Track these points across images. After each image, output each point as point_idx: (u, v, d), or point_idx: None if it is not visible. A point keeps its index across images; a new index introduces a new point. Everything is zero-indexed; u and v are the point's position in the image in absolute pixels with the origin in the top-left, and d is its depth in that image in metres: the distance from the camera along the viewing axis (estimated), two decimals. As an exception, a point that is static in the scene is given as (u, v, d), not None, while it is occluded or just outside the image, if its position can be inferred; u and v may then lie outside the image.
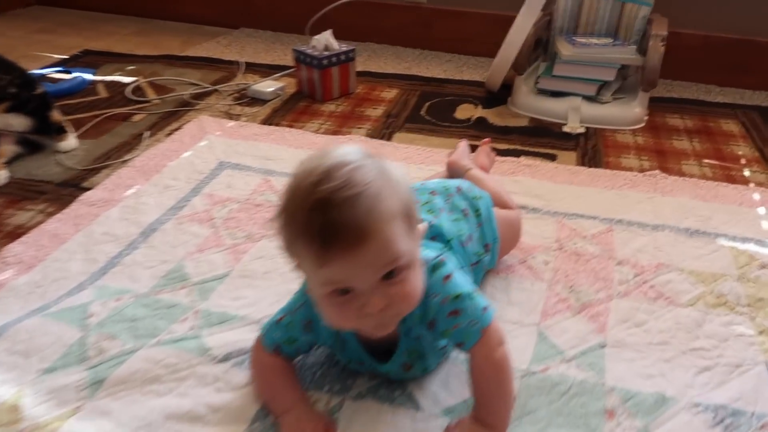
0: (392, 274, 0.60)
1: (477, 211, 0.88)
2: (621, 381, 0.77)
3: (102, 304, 0.89)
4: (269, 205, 1.15)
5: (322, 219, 0.56)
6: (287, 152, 1.34)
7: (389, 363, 0.73)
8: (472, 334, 0.67)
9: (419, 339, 0.71)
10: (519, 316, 0.87)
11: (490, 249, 0.88)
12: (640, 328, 0.85)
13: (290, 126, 1.49)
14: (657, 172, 1.24)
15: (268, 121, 1.52)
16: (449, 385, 0.75)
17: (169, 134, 1.44)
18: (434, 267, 0.69)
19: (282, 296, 0.90)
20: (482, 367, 0.68)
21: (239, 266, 0.98)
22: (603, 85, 1.49)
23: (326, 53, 1.59)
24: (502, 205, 0.98)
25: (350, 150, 0.61)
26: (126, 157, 1.34)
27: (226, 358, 0.80)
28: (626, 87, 1.54)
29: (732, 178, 1.24)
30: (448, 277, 0.69)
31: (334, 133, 1.46)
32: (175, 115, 1.55)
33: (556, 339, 0.83)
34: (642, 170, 1.27)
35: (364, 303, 0.60)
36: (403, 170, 0.65)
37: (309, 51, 1.60)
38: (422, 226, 0.66)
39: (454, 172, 1.07)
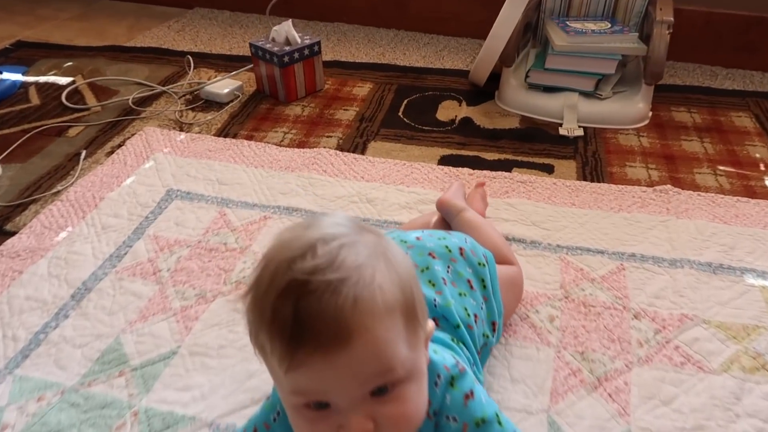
0: (384, 389, 0.46)
1: (483, 282, 0.72)
2: (652, 492, 0.64)
3: (19, 408, 0.73)
4: (225, 250, 0.98)
5: (294, 307, 0.42)
6: (246, 174, 1.16)
7: None
8: None
9: None
10: (525, 400, 0.73)
11: (497, 327, 0.73)
12: (669, 407, 0.72)
13: (250, 136, 1.31)
14: (669, 187, 1.09)
15: (224, 131, 1.33)
16: None
17: (110, 153, 1.25)
18: (452, 380, 0.55)
19: (241, 382, 0.76)
20: None
21: (189, 339, 0.83)
22: (602, 79, 1.32)
23: (287, 48, 1.39)
24: (503, 259, 0.83)
25: (341, 221, 0.48)
26: (58, 187, 1.15)
27: (170, 485, 0.65)
28: (626, 77, 1.38)
29: (752, 190, 1.10)
30: (470, 395, 0.54)
31: (301, 144, 1.28)
32: (117, 127, 1.36)
33: (571, 429, 0.70)
34: (651, 183, 1.12)
35: (342, 424, 0.46)
36: (406, 256, 0.50)
37: (268, 46, 1.40)
38: (430, 326, 0.52)
39: (446, 212, 0.91)
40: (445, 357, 0.56)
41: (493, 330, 0.72)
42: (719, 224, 1.01)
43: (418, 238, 0.75)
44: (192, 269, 0.95)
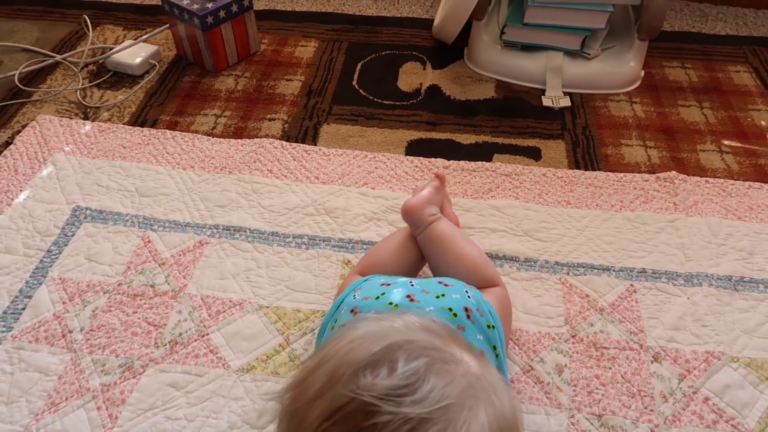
0: None
1: (495, 350, 0.58)
2: None
3: None
4: (153, 295, 0.79)
5: None
6: (172, 180, 0.95)
7: None
8: None
9: None
10: (540, 492, 0.61)
11: None
12: (705, 487, 0.61)
13: (174, 123, 1.07)
14: (673, 174, 0.94)
15: (140, 117, 1.08)
16: None
17: (-4, 155, 1.00)
18: None
19: None
20: None
21: (116, 435, 0.65)
22: (590, 35, 1.13)
23: (210, 6, 1.12)
24: (486, 281, 0.70)
25: (435, 326, 0.38)
26: (-71, 212, 0.90)
27: None
28: (613, 30, 1.19)
29: (762, 170, 0.97)
30: None
31: (237, 132, 1.05)
32: (2, 116, 1.09)
33: None
34: (652, 167, 0.98)
35: None
36: (513, 398, 0.38)
37: (186, 2, 1.13)
38: None
39: (412, 223, 0.74)
40: None
41: None
42: (733, 221, 0.88)
43: (410, 298, 0.59)
44: (113, 326, 0.75)
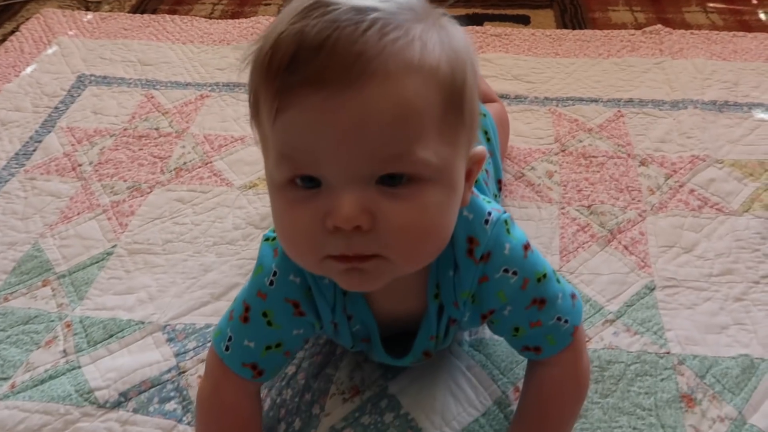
0: (397, 178, 0.33)
1: (486, 134, 0.60)
2: (689, 342, 0.55)
3: None
4: (158, 135, 0.82)
5: (300, 30, 0.31)
6: (173, 51, 0.98)
7: (405, 358, 0.48)
8: (560, 336, 0.44)
9: (456, 324, 0.46)
10: (532, 262, 0.63)
11: (501, 186, 0.62)
12: (692, 254, 0.64)
13: (173, 10, 1.10)
14: (659, 27, 0.97)
15: (140, 7, 1.12)
16: (459, 397, 0.52)
17: (1, 41, 1.03)
18: (506, 224, 0.43)
19: (196, 277, 0.63)
20: (562, 383, 0.45)
21: (126, 237, 0.68)
22: None
23: None
24: (485, 97, 0.72)
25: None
26: (-60, 84, 0.94)
27: (121, 401, 0.52)
28: None
29: (747, 24, 1.00)
30: (528, 246, 0.43)
31: (235, 15, 1.09)
32: (6, 12, 1.12)
33: (588, 288, 0.61)
34: (638, 26, 1.00)
35: (330, 208, 0.34)
36: (468, 39, 0.37)
37: None
38: (479, 150, 0.39)
39: None
40: (490, 202, 0.44)
41: (499, 189, 0.61)
42: (718, 61, 0.91)
43: None
44: (120, 160, 0.78)
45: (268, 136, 0.35)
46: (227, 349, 0.44)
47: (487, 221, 0.42)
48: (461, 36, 0.36)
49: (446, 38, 0.35)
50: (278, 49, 0.32)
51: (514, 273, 0.42)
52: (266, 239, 0.45)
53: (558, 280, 0.45)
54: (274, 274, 0.43)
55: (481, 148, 0.39)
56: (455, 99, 0.34)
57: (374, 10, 0.32)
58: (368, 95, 0.31)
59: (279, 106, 0.32)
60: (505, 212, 0.44)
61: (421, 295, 0.44)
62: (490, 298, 0.43)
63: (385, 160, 0.33)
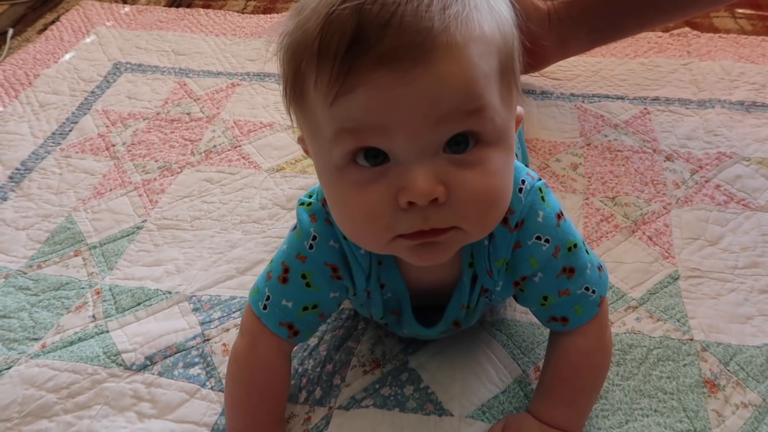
0: (464, 142, 0.34)
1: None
2: (713, 330, 0.55)
3: (-48, 295, 0.60)
4: (190, 120, 0.84)
5: (357, 8, 0.31)
6: (206, 43, 1.00)
7: (436, 326, 0.48)
8: (587, 306, 0.44)
9: (487, 294, 0.46)
10: (555, 248, 0.64)
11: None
12: (717, 247, 0.63)
13: (207, 5, 1.13)
14: (686, 30, 0.97)
15: (175, 1, 1.15)
16: (479, 373, 0.52)
17: (42, 30, 1.07)
18: (541, 192, 0.43)
19: (222, 253, 0.64)
20: (589, 354, 0.46)
21: (156, 213, 0.70)
22: None
23: None
24: None
25: None
26: (-17, 68, 0.97)
27: (147, 364, 0.54)
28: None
29: (776, 30, 0.99)
30: (561, 215, 0.44)
31: (268, 10, 1.11)
32: (48, 4, 1.16)
33: (611, 276, 0.60)
34: (666, 28, 1.01)
35: (403, 184, 0.34)
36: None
37: None
38: (520, 110, 0.40)
39: None
40: (524, 167, 0.45)
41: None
42: (746, 64, 0.90)
43: None
44: (152, 142, 0.80)
45: (319, 117, 0.35)
46: (265, 308, 0.45)
47: (521, 189, 0.43)
48: (503, 2, 0.38)
49: (495, 6, 0.36)
50: (332, 30, 0.32)
51: (547, 240, 0.43)
52: (301, 203, 0.46)
53: (587, 251, 0.45)
54: (314, 238, 0.44)
55: (519, 108, 0.40)
56: (509, 63, 0.36)
57: None
58: (438, 67, 0.32)
59: (342, 86, 0.32)
60: (540, 179, 0.44)
61: (455, 264, 0.44)
62: (523, 264, 0.43)
63: (453, 122, 0.33)
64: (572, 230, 0.45)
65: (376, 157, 0.34)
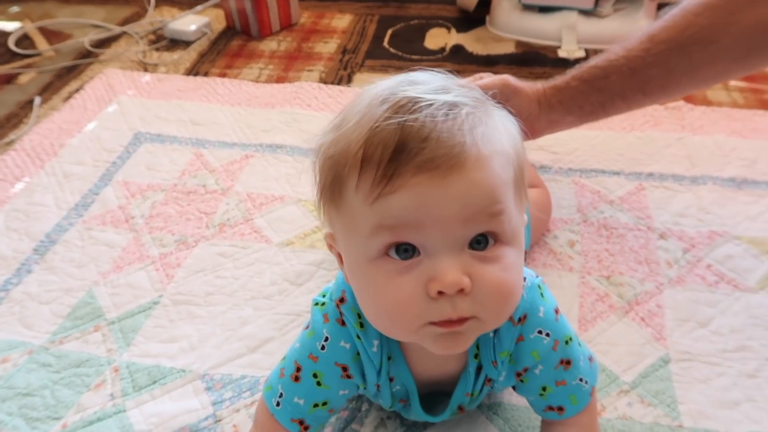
0: (484, 242, 0.39)
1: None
2: (702, 417, 0.57)
3: (-20, 372, 0.64)
4: (205, 192, 0.88)
5: (400, 124, 0.37)
6: (222, 113, 1.06)
7: (441, 415, 0.52)
8: (581, 396, 0.48)
9: (490, 383, 0.50)
10: (551, 329, 0.66)
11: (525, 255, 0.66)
12: (707, 329, 0.66)
13: (223, 74, 1.19)
14: (681, 103, 1.01)
15: (194, 70, 1.21)
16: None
17: (68, 98, 1.13)
18: (540, 288, 0.48)
19: (234, 329, 0.67)
20: None
21: (172, 288, 0.74)
22: (601, -5, 1.22)
23: (258, -24, 1.26)
24: (530, 181, 0.76)
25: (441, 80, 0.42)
26: (11, 137, 1.03)
27: (162, 445, 0.57)
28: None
29: (767, 103, 1.03)
30: (558, 310, 0.48)
31: (280, 79, 1.17)
32: (74, 71, 1.23)
33: (605, 358, 0.63)
34: (662, 102, 1.05)
35: (433, 275, 0.38)
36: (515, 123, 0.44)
37: (236, -26, 1.27)
38: (525, 218, 0.45)
39: None
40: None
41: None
42: (738, 139, 0.94)
43: None
44: (169, 214, 0.85)
45: (356, 215, 0.39)
46: (278, 404, 0.49)
47: (522, 286, 0.46)
48: (509, 119, 0.43)
49: (506, 123, 0.42)
50: (376, 141, 0.37)
51: (547, 334, 0.47)
52: (315, 304, 0.50)
53: (579, 344, 0.49)
54: (326, 339, 0.47)
55: (524, 216, 0.44)
56: (520, 173, 0.41)
57: (462, 105, 0.38)
58: (469, 174, 0.37)
59: (385, 188, 0.37)
60: (537, 276, 0.48)
61: (461, 355, 0.48)
62: (525, 356, 0.47)
63: (477, 223, 0.38)
64: (567, 325, 0.49)
65: (406, 251, 0.39)
